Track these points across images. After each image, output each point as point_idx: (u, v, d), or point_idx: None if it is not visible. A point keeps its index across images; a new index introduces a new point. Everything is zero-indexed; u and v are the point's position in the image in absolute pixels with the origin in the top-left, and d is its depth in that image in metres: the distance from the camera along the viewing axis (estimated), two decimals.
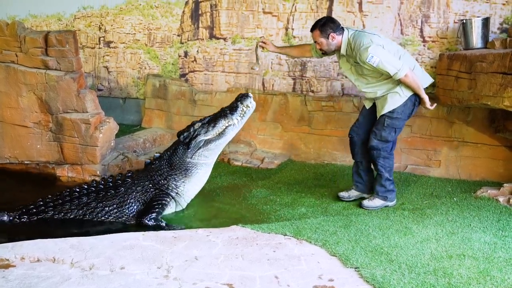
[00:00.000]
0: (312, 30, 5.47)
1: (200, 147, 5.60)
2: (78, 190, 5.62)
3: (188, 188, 5.70)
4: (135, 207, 5.54)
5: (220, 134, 5.63)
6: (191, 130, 5.66)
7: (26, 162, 6.87)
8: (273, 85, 7.79)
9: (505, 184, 5.79)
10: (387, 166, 5.60)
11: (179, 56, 8.44)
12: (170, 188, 5.62)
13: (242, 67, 7.97)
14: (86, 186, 5.67)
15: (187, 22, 8.29)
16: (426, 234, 4.71)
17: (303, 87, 7.61)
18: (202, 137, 5.60)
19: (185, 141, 5.64)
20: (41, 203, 5.52)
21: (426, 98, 5.36)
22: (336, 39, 5.37)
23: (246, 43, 7.87)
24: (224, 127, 5.62)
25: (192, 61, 8.30)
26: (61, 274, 3.79)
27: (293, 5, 7.44)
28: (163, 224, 5.31)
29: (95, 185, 5.69)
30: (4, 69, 6.65)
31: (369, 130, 5.71)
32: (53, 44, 6.55)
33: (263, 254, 4.16)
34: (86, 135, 6.49)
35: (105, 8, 8.87)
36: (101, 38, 8.97)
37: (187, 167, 5.63)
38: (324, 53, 5.56)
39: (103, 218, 5.45)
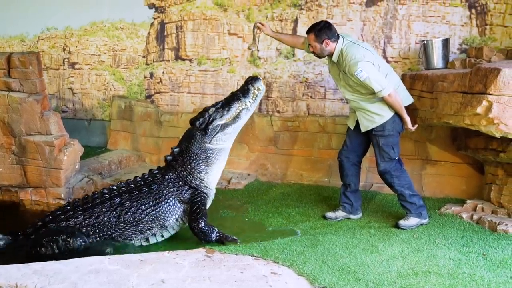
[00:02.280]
0: (308, 32, 5.47)
1: (218, 132, 5.52)
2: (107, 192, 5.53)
3: (211, 179, 5.63)
4: (172, 204, 5.47)
5: (235, 118, 5.57)
6: (206, 116, 5.58)
7: None
8: None
9: (468, 201, 5.92)
10: (404, 183, 5.56)
11: (145, 77, 8.41)
12: (198, 183, 5.54)
13: (208, 88, 7.97)
14: (115, 187, 5.56)
15: (153, 43, 8.29)
16: (392, 252, 4.76)
17: (269, 107, 7.66)
18: (218, 122, 5.53)
19: (201, 126, 5.55)
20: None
21: (407, 119, 5.41)
22: (330, 46, 5.38)
23: (211, 64, 7.89)
24: (238, 111, 5.58)
25: (158, 82, 8.28)
26: None
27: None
28: (215, 229, 5.26)
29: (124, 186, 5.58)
30: None
31: (357, 151, 5.77)
32: (16, 66, 6.46)
33: (231, 275, 4.14)
34: (50, 157, 6.39)
35: (70, 29, 8.81)
36: (66, 60, 8.89)
37: (208, 153, 5.53)
38: (316, 55, 5.57)
39: (140, 217, 5.36)
